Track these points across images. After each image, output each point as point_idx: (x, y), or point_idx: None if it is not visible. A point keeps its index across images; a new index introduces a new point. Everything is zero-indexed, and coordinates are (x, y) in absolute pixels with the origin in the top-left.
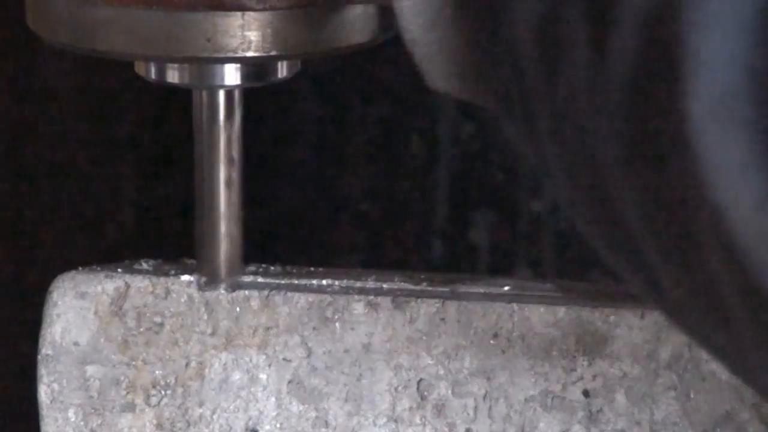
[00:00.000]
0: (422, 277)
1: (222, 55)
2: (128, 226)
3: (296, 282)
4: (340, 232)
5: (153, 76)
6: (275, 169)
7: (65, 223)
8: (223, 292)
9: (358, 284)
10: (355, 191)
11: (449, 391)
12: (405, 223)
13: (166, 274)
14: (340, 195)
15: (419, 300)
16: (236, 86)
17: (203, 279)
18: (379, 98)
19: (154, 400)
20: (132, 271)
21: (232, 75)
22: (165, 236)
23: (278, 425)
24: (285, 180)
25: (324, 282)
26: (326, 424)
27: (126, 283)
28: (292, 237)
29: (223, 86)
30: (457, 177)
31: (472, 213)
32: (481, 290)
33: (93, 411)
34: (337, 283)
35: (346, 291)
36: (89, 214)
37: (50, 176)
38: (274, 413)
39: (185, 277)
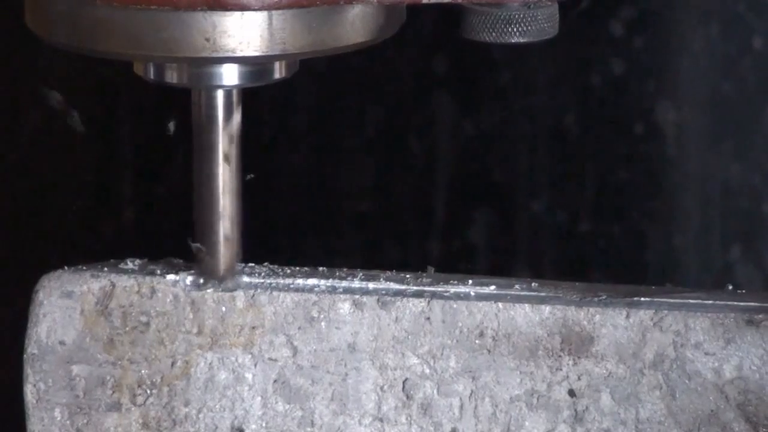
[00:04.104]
0: (408, 276)
1: (221, 55)
2: (128, 226)
3: (282, 281)
4: (339, 232)
5: (152, 76)
6: (274, 168)
7: (64, 222)
8: (209, 291)
9: (344, 284)
10: (355, 191)
11: (435, 391)
12: (404, 223)
13: (152, 274)
14: (340, 195)
15: (405, 299)
16: (235, 86)
17: (201, 279)
18: (378, 98)
19: (140, 400)
20: (118, 271)
21: (230, 75)
22: (164, 236)
23: (264, 424)
24: (284, 180)
25: (309, 281)
26: (312, 424)
27: (111, 282)
28: (291, 237)
29: (221, 86)
30: (455, 176)
31: (471, 212)
32: (467, 290)
33: (79, 410)
34: (322, 282)
35: (332, 290)
36: (89, 214)
37: (49, 176)
38: (259, 412)
39: (171, 277)
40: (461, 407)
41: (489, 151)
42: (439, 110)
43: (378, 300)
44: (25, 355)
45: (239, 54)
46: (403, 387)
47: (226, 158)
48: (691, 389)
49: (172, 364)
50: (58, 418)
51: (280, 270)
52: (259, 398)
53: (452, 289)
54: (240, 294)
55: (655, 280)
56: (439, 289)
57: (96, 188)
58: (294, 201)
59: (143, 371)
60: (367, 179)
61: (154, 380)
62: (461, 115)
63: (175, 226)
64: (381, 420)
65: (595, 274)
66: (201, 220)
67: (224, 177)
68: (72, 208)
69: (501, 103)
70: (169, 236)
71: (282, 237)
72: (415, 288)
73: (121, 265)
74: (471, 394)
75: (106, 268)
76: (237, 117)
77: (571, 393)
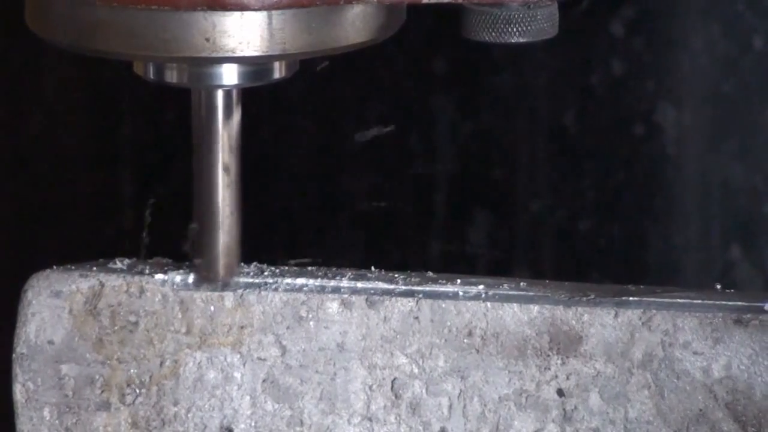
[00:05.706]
0: (396, 276)
1: (221, 54)
2: (128, 226)
3: (270, 281)
4: (339, 232)
5: (152, 76)
6: (274, 168)
7: (65, 223)
8: (199, 291)
9: (333, 283)
10: (355, 191)
11: (423, 390)
12: (404, 223)
13: (141, 273)
14: (340, 195)
15: (393, 299)
16: (235, 86)
17: (191, 278)
18: (378, 98)
19: (129, 399)
20: (106, 270)
21: (230, 75)
22: (164, 236)
23: (253, 424)
24: (284, 180)
25: (298, 281)
26: (301, 423)
27: (100, 281)
28: (292, 237)
29: (221, 86)
30: (456, 177)
31: (471, 212)
32: (455, 289)
33: (68, 410)
34: (311, 281)
35: (321, 290)
36: (89, 214)
37: (50, 176)
38: (248, 412)
39: (159, 276)
40: (450, 407)
41: (489, 151)
42: (439, 110)
43: (366, 299)
44: (14, 355)
45: (239, 54)
46: (392, 386)
47: (226, 159)
48: (679, 389)
49: (161, 363)
50: (47, 418)
51: (268, 269)
52: (248, 398)
53: (441, 289)
54: (229, 293)
55: (655, 280)
56: (428, 288)
57: (96, 188)
58: (294, 201)
59: (132, 371)
60: (367, 179)
61: (143, 380)
62: (461, 115)
63: (176, 226)
64: (370, 419)
65: (595, 274)
66: (201, 220)
67: (224, 177)
68: (72, 208)
69: (501, 103)
70: (168, 236)
71: (282, 237)
72: (403, 287)
73: (110, 265)
74: (460, 394)
75: (94, 268)
76: (237, 117)
77: (560, 392)
